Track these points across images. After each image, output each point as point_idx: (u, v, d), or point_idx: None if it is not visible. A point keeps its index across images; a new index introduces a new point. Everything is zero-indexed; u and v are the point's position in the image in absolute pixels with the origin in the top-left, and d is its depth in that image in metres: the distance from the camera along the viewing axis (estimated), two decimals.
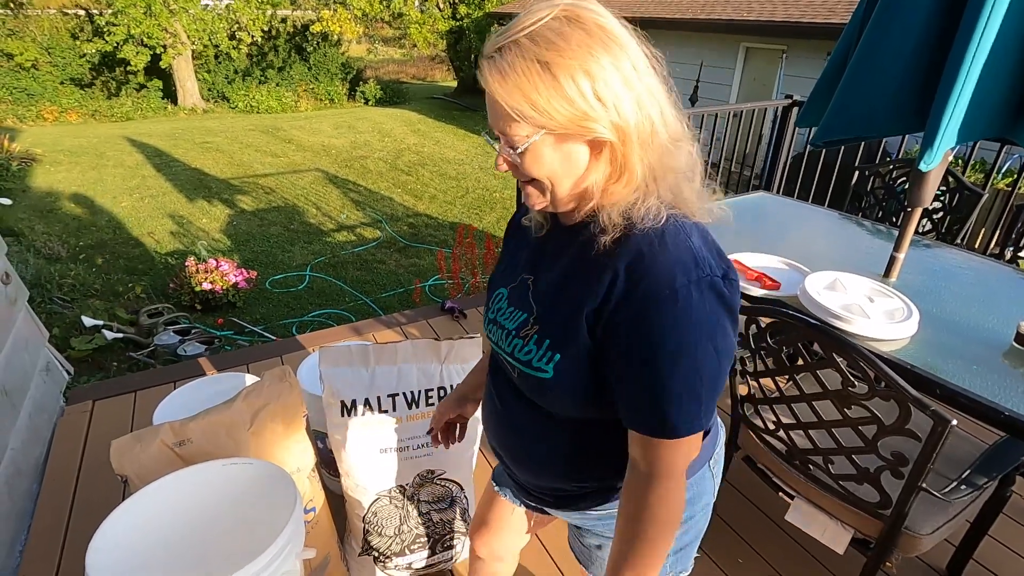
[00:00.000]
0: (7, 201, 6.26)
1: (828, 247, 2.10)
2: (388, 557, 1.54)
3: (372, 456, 1.43)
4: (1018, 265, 2.22)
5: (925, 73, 1.38)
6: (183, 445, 1.21)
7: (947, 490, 1.32)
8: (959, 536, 1.58)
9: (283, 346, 2.76)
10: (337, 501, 1.62)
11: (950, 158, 1.64)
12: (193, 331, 3.54)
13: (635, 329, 0.68)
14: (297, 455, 1.36)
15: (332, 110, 13.52)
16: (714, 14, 8.31)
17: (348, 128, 10.90)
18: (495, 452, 0.98)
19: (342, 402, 1.38)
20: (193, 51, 12.39)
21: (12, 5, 11.81)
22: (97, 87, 12.28)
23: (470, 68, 13.79)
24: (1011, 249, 2.87)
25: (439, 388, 1.45)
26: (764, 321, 1.33)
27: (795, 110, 3.49)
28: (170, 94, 12.81)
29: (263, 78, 13.60)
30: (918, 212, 1.68)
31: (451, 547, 1.62)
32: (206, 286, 3.93)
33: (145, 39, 11.28)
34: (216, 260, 4.12)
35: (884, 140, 4.68)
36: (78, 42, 11.77)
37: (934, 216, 2.41)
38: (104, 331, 3.49)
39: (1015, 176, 3.75)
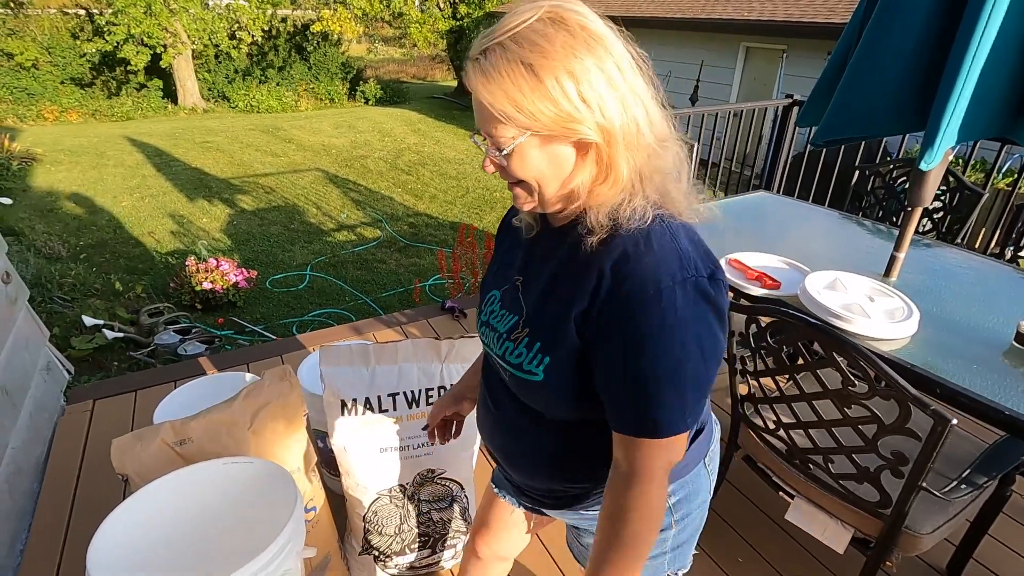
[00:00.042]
0: (8, 200, 6.26)
1: (828, 246, 2.10)
2: (388, 556, 1.55)
3: (372, 455, 1.43)
4: (1018, 265, 2.22)
5: (925, 72, 1.38)
6: (184, 444, 1.21)
7: (947, 489, 1.32)
8: (959, 535, 1.58)
9: (283, 345, 2.76)
10: (337, 500, 1.62)
11: (950, 157, 1.64)
12: (193, 330, 3.54)
13: (619, 329, 0.69)
14: (297, 454, 1.36)
15: (332, 110, 13.52)
16: (714, 13, 8.30)
17: (348, 128, 10.90)
18: (490, 454, 0.98)
19: (342, 401, 1.38)
20: (193, 51, 12.39)
21: (12, 5, 11.81)
22: (97, 87, 12.28)
23: None
24: (1011, 249, 2.87)
25: (439, 387, 1.45)
26: (764, 320, 1.33)
27: (795, 109, 3.49)
28: (170, 94, 12.80)
29: (263, 78, 13.59)
30: (918, 212, 1.68)
31: (451, 546, 1.62)
32: (206, 285, 3.93)
33: (145, 39, 11.28)
34: (216, 259, 4.12)
35: (884, 140, 4.68)
36: (78, 42, 11.76)
37: (934, 216, 2.41)
38: (104, 330, 3.49)
39: (1015, 176, 3.75)
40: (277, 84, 13.61)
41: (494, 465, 1.06)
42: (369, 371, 1.41)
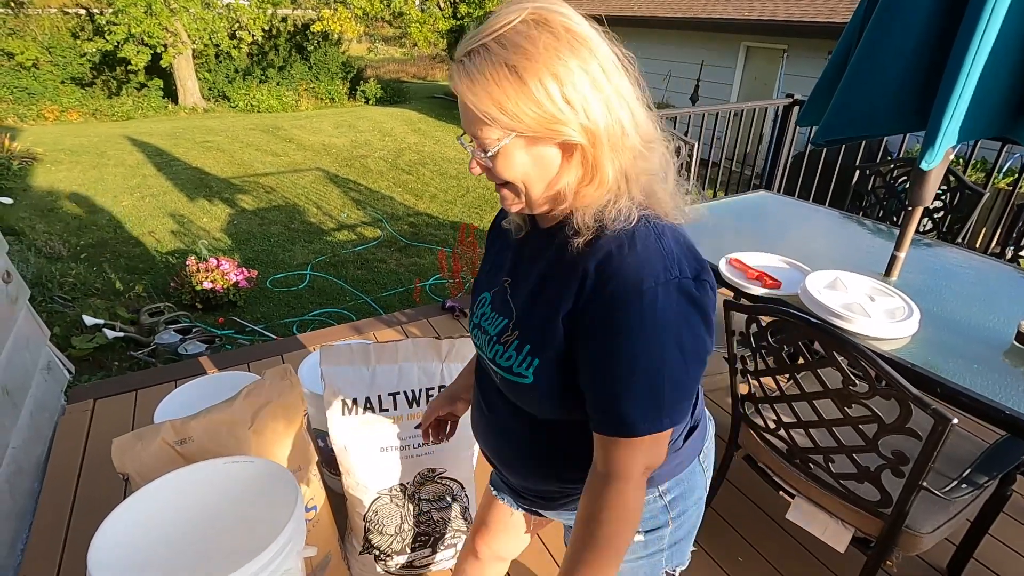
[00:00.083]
0: (8, 200, 6.26)
1: (829, 246, 2.10)
2: (389, 555, 1.55)
3: (373, 455, 1.43)
4: (1019, 264, 2.21)
5: (926, 72, 1.38)
6: (184, 443, 1.21)
7: (948, 489, 1.32)
8: (960, 535, 1.58)
9: (284, 345, 2.77)
10: (338, 500, 1.62)
11: (951, 157, 1.64)
12: (194, 330, 3.54)
13: (601, 329, 0.69)
14: (298, 453, 1.37)
15: (333, 109, 13.51)
16: (715, 13, 8.30)
17: (349, 127, 10.90)
18: (485, 456, 0.98)
19: (343, 401, 1.38)
20: (194, 50, 12.39)
21: (13, 4, 11.80)
22: (98, 86, 12.28)
23: None
24: (1012, 248, 2.87)
25: (440, 387, 1.45)
26: (765, 320, 1.33)
27: (796, 109, 3.49)
28: (171, 93, 12.80)
29: (264, 77, 13.59)
30: (919, 211, 1.68)
31: (452, 545, 1.62)
32: (207, 285, 3.93)
33: (146, 38, 11.28)
34: (217, 259, 4.12)
35: (885, 139, 4.68)
36: (79, 41, 11.76)
37: (935, 215, 2.41)
38: (105, 330, 3.49)
39: (1016, 175, 3.75)
40: (277, 84, 13.61)
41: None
42: (369, 370, 1.41)
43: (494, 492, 1.09)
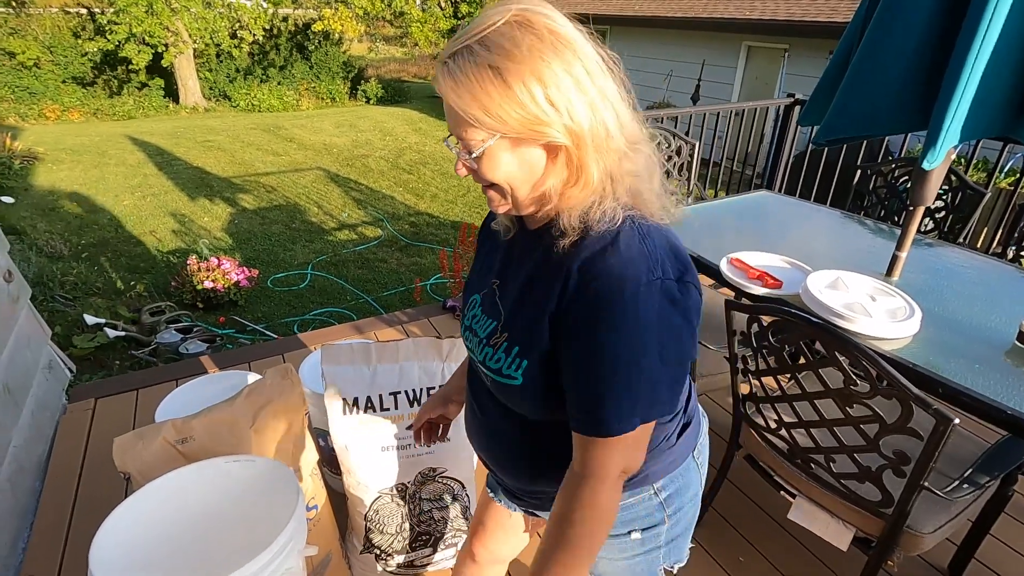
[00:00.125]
0: (9, 199, 6.27)
1: (830, 246, 2.10)
2: (390, 555, 1.55)
3: (374, 454, 1.43)
4: (1020, 264, 2.21)
5: (928, 72, 1.38)
6: (185, 442, 1.21)
7: (949, 489, 1.32)
8: (961, 535, 1.58)
9: (285, 344, 2.77)
10: (339, 499, 1.62)
11: (953, 157, 1.64)
12: (195, 329, 3.55)
13: (583, 329, 0.69)
14: (299, 453, 1.37)
15: (334, 109, 13.52)
16: (716, 12, 8.30)
17: (349, 127, 10.91)
18: (479, 457, 0.98)
19: (344, 400, 1.38)
20: (195, 50, 12.39)
21: (14, 4, 11.82)
22: (99, 86, 12.29)
23: None
24: (1013, 248, 2.86)
25: (441, 386, 1.45)
26: (766, 319, 1.33)
27: (797, 109, 3.49)
28: (172, 93, 12.81)
29: (264, 77, 13.60)
30: (920, 211, 1.68)
31: (452, 544, 1.62)
32: (208, 284, 3.93)
33: (147, 38, 11.29)
34: (218, 258, 4.12)
35: (886, 139, 4.68)
36: (80, 41, 11.77)
37: (936, 215, 2.41)
38: (106, 329, 3.49)
39: (1017, 175, 3.74)
40: (278, 83, 13.62)
41: None
42: (370, 370, 1.41)
43: (491, 494, 1.10)
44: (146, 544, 1.00)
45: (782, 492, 1.53)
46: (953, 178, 2.32)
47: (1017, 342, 1.41)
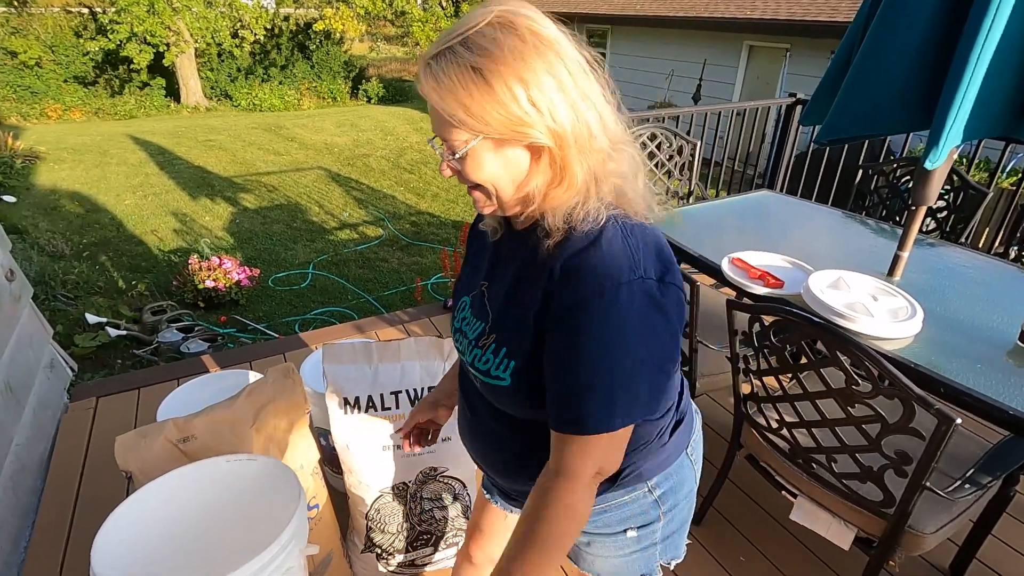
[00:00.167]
0: (11, 198, 6.28)
1: (832, 246, 2.09)
2: (391, 554, 1.55)
3: (375, 453, 1.43)
4: (1022, 264, 2.20)
5: (930, 71, 1.38)
6: (187, 441, 1.22)
7: (951, 489, 1.32)
8: (962, 535, 1.57)
9: (286, 344, 2.77)
10: (340, 498, 1.62)
11: (955, 156, 1.64)
12: (196, 329, 3.55)
13: (563, 327, 0.69)
14: (300, 452, 1.37)
15: (335, 108, 13.52)
16: (717, 12, 8.28)
17: (351, 126, 10.91)
18: (473, 459, 0.98)
19: (345, 399, 1.38)
20: (196, 49, 12.40)
21: (16, 3, 11.84)
22: (100, 85, 12.30)
23: None
24: (1015, 248, 2.86)
25: None
26: (767, 319, 1.33)
27: (799, 108, 3.48)
28: (173, 92, 12.82)
29: (266, 76, 13.60)
30: (922, 211, 1.67)
31: (453, 544, 1.62)
32: (209, 284, 3.94)
33: (148, 37, 11.30)
34: (219, 258, 4.12)
35: (888, 139, 4.67)
36: (81, 40, 11.78)
37: (938, 215, 2.41)
38: (108, 328, 3.50)
39: (1019, 175, 3.73)
40: (280, 83, 13.62)
41: None
42: (372, 369, 1.41)
43: (487, 495, 1.10)
44: (148, 543, 1.00)
45: (783, 492, 1.53)
46: (955, 178, 2.31)
47: (1019, 342, 1.41)
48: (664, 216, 0.77)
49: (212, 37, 12.15)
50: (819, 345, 1.26)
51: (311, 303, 4.26)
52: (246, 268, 4.18)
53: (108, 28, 11.24)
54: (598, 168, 0.70)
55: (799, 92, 3.54)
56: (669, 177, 2.87)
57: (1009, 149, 2.72)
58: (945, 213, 2.38)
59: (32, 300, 2.28)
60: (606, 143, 0.70)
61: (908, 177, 2.49)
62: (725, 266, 1.79)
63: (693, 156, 2.86)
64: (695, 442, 0.93)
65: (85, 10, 12.14)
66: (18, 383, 1.98)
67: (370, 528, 1.51)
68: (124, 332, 3.50)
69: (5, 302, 2.03)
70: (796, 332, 1.27)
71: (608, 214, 0.70)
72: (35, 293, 2.36)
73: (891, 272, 1.76)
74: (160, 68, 12.29)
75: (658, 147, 2.80)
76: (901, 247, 1.73)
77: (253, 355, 2.64)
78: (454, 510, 1.57)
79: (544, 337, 0.72)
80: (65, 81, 11.80)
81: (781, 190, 3.66)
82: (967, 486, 1.34)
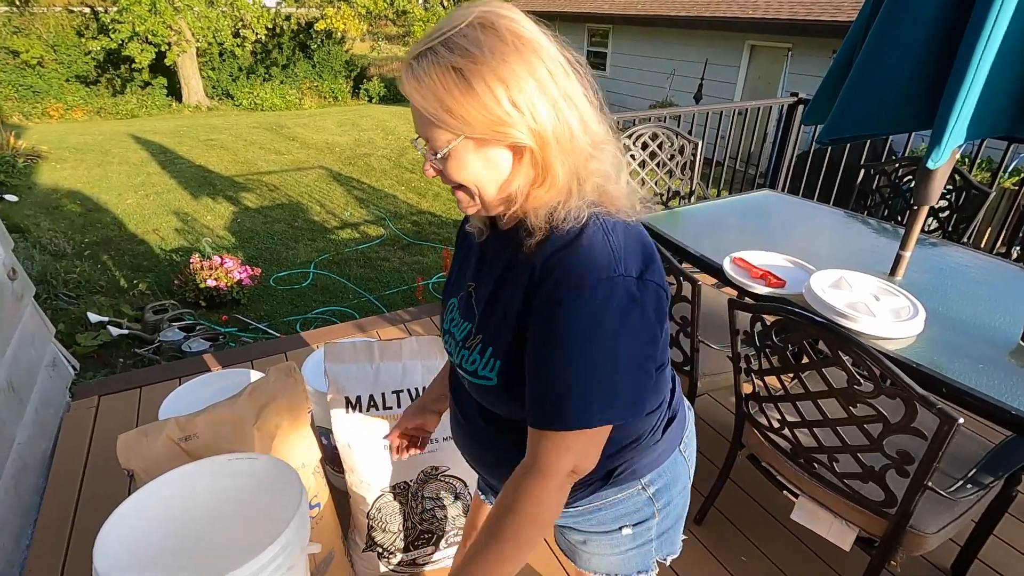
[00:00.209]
0: (13, 198, 6.29)
1: (833, 245, 2.09)
2: (392, 553, 1.55)
3: (376, 452, 1.43)
4: None
5: (933, 71, 1.37)
6: (189, 440, 1.22)
7: (953, 489, 1.31)
8: (964, 535, 1.57)
9: (287, 343, 2.77)
10: (341, 497, 1.62)
11: (957, 156, 1.64)
12: (198, 328, 3.55)
13: (541, 322, 0.69)
14: (302, 450, 1.37)
15: (336, 108, 13.52)
16: (719, 12, 8.28)
17: (352, 126, 10.91)
18: (466, 460, 0.98)
19: (347, 398, 1.38)
20: (197, 49, 12.41)
21: (18, 3, 11.86)
22: (102, 84, 12.32)
23: None
24: (1018, 248, 2.86)
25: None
26: (769, 319, 1.33)
27: (800, 108, 3.48)
28: (175, 91, 12.84)
29: (267, 76, 13.61)
30: (924, 210, 1.67)
31: (454, 543, 1.62)
32: (210, 283, 3.94)
33: (150, 36, 11.32)
34: (220, 257, 4.12)
35: (890, 138, 4.66)
36: (83, 39, 11.81)
37: (940, 215, 2.40)
38: (109, 327, 3.50)
39: (1022, 175, 3.73)
40: (281, 82, 13.63)
41: None
42: (373, 368, 1.41)
43: (482, 496, 1.09)
44: (150, 541, 1.00)
45: (785, 492, 1.53)
46: (957, 177, 2.31)
47: (1021, 342, 1.40)
48: (646, 214, 0.77)
49: (214, 36, 12.16)
50: (821, 345, 1.25)
51: (312, 302, 4.26)
52: (247, 267, 4.19)
53: (110, 27, 11.26)
54: (580, 168, 0.70)
55: (801, 92, 3.53)
56: (671, 176, 2.87)
57: (1011, 149, 2.72)
58: (947, 213, 2.38)
59: (34, 299, 2.28)
60: (588, 143, 0.70)
61: (910, 177, 2.49)
62: (727, 266, 1.78)
63: (695, 156, 2.86)
64: (688, 439, 0.94)
65: (87, 9, 12.16)
66: (20, 382, 1.98)
67: (371, 527, 1.51)
68: (126, 331, 3.51)
69: (7, 301, 2.03)
70: (798, 332, 1.27)
71: (590, 212, 0.70)
72: (37, 292, 2.36)
73: (893, 272, 1.76)
74: (162, 67, 12.30)
75: (659, 147, 2.80)
76: (903, 247, 1.72)
77: (254, 354, 2.64)
78: (455, 509, 1.57)
79: (524, 335, 0.72)
80: (67, 80, 11.82)
81: (783, 190, 3.66)
82: (969, 486, 1.34)
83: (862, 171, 2.81)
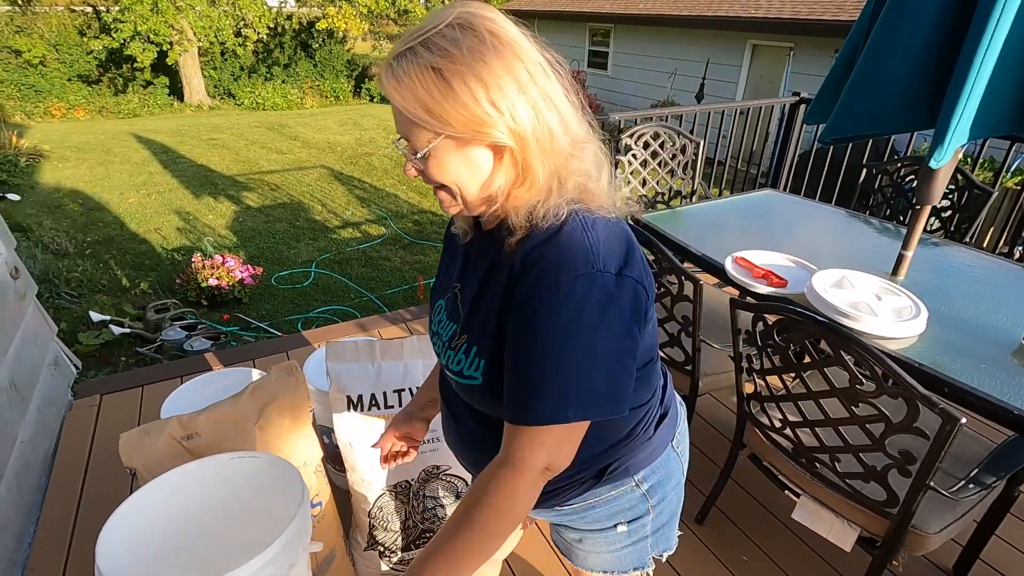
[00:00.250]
0: (15, 197, 6.30)
1: (835, 245, 2.09)
2: (393, 552, 1.55)
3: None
4: None
5: (935, 70, 1.37)
6: (191, 439, 1.22)
7: (955, 489, 1.31)
8: (966, 536, 1.57)
9: (289, 342, 2.77)
10: (343, 496, 1.62)
11: (959, 156, 1.64)
12: (199, 327, 3.56)
13: (519, 318, 0.69)
14: (304, 449, 1.37)
15: (337, 107, 13.53)
16: (721, 11, 8.27)
17: (353, 125, 10.92)
18: (459, 461, 0.98)
19: (348, 397, 1.38)
20: (199, 48, 12.42)
21: (20, 2, 11.88)
22: (104, 84, 12.34)
23: None
24: (1020, 248, 2.85)
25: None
26: (771, 318, 1.33)
27: (802, 107, 3.47)
28: (176, 91, 12.85)
29: (269, 75, 13.62)
30: (927, 210, 1.67)
31: None
32: (212, 282, 3.95)
33: (152, 36, 11.33)
34: (222, 256, 4.13)
35: (892, 138, 4.65)
36: (85, 39, 11.82)
37: (942, 214, 2.40)
38: (111, 326, 3.51)
39: None
40: (283, 81, 13.64)
41: None
42: (375, 367, 1.41)
43: None
44: (152, 539, 1.00)
45: (786, 491, 1.53)
46: (959, 177, 2.30)
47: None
48: (627, 211, 0.77)
49: (215, 36, 12.17)
50: (823, 344, 1.25)
51: (314, 301, 4.27)
52: (249, 266, 4.19)
53: (112, 27, 11.27)
54: (561, 167, 0.71)
55: (803, 91, 3.52)
56: (672, 176, 2.87)
57: (1014, 148, 2.71)
58: (949, 212, 2.37)
59: (36, 298, 2.28)
60: (568, 143, 0.71)
61: (912, 176, 2.48)
62: (728, 265, 1.78)
63: (696, 155, 2.85)
64: (680, 435, 0.94)
65: (89, 9, 12.17)
66: (23, 380, 1.98)
67: (373, 526, 1.51)
68: (128, 330, 3.51)
69: (10, 300, 2.04)
70: (799, 331, 1.27)
71: (569, 209, 0.70)
72: (39, 291, 2.36)
73: (895, 271, 1.75)
74: (163, 67, 12.32)
75: (661, 146, 2.79)
76: (905, 246, 1.72)
77: (256, 353, 2.65)
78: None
79: (504, 332, 0.72)
80: (69, 80, 11.84)
81: (785, 189, 3.65)
82: (971, 486, 1.33)
83: (864, 171, 2.81)
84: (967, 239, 2.29)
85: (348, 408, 1.39)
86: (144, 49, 11.45)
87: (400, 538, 1.54)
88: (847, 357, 1.18)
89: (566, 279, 0.66)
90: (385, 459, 1.10)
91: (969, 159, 3.22)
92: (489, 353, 0.75)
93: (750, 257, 1.81)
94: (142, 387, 2.37)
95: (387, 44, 21.59)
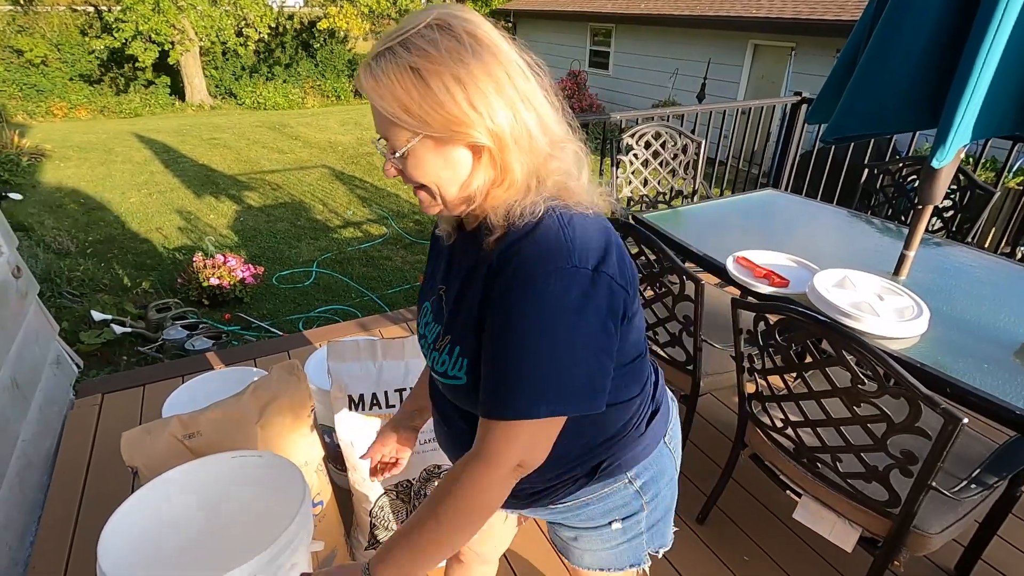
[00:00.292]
0: (17, 196, 6.31)
1: (837, 245, 2.09)
2: None
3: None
4: None
5: (937, 70, 1.37)
6: (192, 438, 1.22)
7: (957, 489, 1.31)
8: (968, 536, 1.57)
9: (290, 341, 2.77)
10: (344, 495, 1.62)
11: (961, 156, 1.63)
12: (200, 326, 3.56)
13: (495, 314, 0.69)
14: (305, 449, 1.37)
15: (339, 107, 13.53)
16: (722, 11, 8.26)
17: (355, 125, 10.92)
18: (451, 462, 0.98)
19: (349, 397, 1.38)
20: (201, 48, 12.43)
21: (22, 2, 11.89)
22: (106, 83, 12.35)
23: None
24: (1022, 248, 2.85)
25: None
26: (772, 318, 1.33)
27: (804, 107, 3.47)
28: (178, 90, 12.86)
29: (270, 75, 13.63)
30: (929, 210, 1.67)
31: None
32: (213, 281, 3.95)
33: (153, 36, 11.34)
34: (223, 256, 4.13)
35: (894, 138, 4.65)
36: (87, 39, 11.83)
37: (944, 214, 2.39)
38: (113, 325, 3.51)
39: None
40: (284, 81, 13.65)
41: None
42: (376, 367, 1.41)
43: None
44: (153, 538, 1.00)
45: (788, 491, 1.52)
46: (961, 177, 2.30)
47: None
48: (607, 208, 0.78)
49: (217, 35, 12.17)
50: (824, 344, 1.25)
51: (315, 301, 4.27)
52: (250, 266, 4.19)
53: (113, 27, 11.28)
54: (540, 167, 0.71)
55: (804, 91, 3.52)
56: (674, 176, 2.87)
57: (1016, 148, 2.70)
58: (951, 212, 2.37)
59: (38, 297, 2.29)
60: (547, 143, 0.71)
61: (914, 176, 2.48)
62: (730, 265, 1.78)
63: (698, 155, 2.85)
64: (672, 431, 0.94)
65: (91, 9, 12.18)
66: (25, 379, 1.99)
67: (374, 525, 1.51)
68: (129, 329, 3.52)
69: (12, 299, 2.04)
70: (801, 331, 1.27)
71: (547, 205, 0.71)
72: (41, 290, 2.37)
73: (897, 271, 1.75)
74: (165, 66, 12.32)
75: (663, 146, 2.79)
76: (907, 246, 1.72)
77: (257, 352, 2.65)
78: None
79: (483, 329, 0.72)
80: (71, 79, 11.85)
81: (786, 189, 3.65)
82: (973, 486, 1.33)
83: (866, 170, 2.80)
84: (969, 239, 2.28)
85: (349, 407, 1.39)
86: (146, 49, 11.46)
87: None
88: (849, 357, 1.18)
89: (541, 274, 0.67)
90: (374, 471, 1.09)
91: (971, 159, 3.21)
92: (472, 352, 0.75)
93: (751, 257, 1.81)
94: (143, 386, 2.37)
95: None
